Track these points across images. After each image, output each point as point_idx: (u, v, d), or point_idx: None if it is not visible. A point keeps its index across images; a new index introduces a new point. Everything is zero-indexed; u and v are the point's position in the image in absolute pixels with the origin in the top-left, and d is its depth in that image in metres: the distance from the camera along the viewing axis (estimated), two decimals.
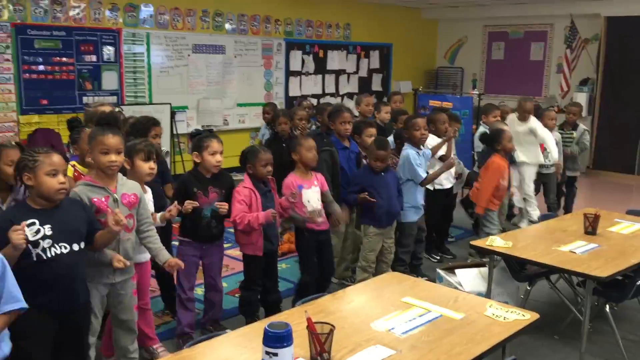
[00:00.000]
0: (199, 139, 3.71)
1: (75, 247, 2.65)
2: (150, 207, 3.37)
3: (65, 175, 2.62)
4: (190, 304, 3.79)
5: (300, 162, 4.01)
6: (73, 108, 7.41)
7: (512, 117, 6.24)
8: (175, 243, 3.94)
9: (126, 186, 3.03)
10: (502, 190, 5.10)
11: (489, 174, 5.08)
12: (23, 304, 2.32)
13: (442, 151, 5.17)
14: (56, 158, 2.61)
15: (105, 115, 3.66)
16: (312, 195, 4.01)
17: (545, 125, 6.12)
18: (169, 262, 3.11)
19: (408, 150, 4.72)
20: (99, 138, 2.91)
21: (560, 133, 6.44)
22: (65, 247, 2.60)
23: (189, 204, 3.48)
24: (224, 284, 4.68)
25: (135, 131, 3.93)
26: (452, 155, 5.21)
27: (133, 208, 3.03)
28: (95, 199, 2.88)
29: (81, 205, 2.80)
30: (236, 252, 5.52)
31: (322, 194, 4.10)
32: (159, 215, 3.44)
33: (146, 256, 3.42)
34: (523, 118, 6.06)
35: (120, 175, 3.02)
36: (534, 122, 6.02)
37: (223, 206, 3.62)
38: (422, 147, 4.84)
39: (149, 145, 3.37)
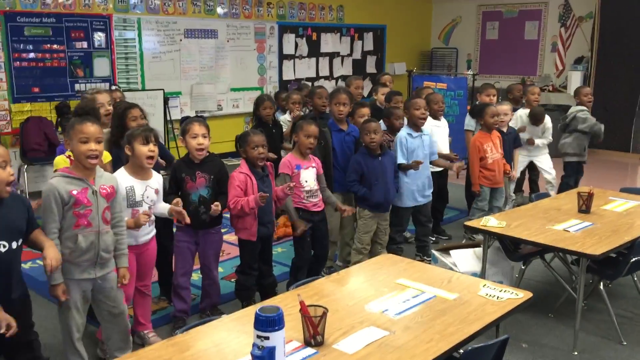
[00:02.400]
0: (184, 123, 3.72)
1: (14, 245, 2.59)
2: (155, 196, 3.39)
3: (10, 166, 2.57)
4: (182, 292, 3.78)
5: (298, 145, 4.06)
6: (65, 95, 7.37)
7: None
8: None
9: (103, 178, 2.97)
10: (491, 165, 5.17)
11: (469, 152, 5.26)
12: None
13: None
14: (1, 150, 2.56)
15: (83, 106, 3.62)
16: (309, 175, 4.06)
17: (529, 100, 6.30)
18: (120, 270, 3.06)
19: (403, 132, 4.74)
20: (78, 127, 2.84)
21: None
22: (4, 246, 2.55)
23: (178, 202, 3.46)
24: (220, 269, 4.70)
25: (113, 121, 3.93)
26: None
27: (110, 200, 2.97)
28: (73, 192, 2.81)
29: (22, 200, 2.73)
30: (232, 237, 5.54)
31: (318, 178, 4.12)
32: (161, 205, 3.43)
33: (151, 234, 3.42)
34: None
35: (97, 167, 2.96)
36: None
37: (216, 207, 3.60)
38: (422, 129, 4.84)
39: (146, 129, 3.35)
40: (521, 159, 6.24)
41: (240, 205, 3.65)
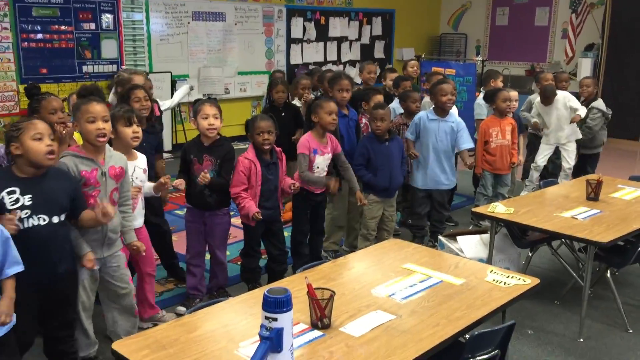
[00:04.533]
0: (196, 104, 3.74)
1: (55, 219, 2.63)
2: (143, 175, 3.40)
3: (52, 139, 2.61)
4: (194, 269, 3.83)
5: (318, 125, 4.02)
6: (73, 77, 7.37)
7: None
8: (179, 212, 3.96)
9: (113, 159, 2.99)
10: (493, 149, 5.17)
11: (478, 134, 5.31)
12: (22, 266, 2.41)
13: None
14: (40, 124, 2.61)
15: (86, 87, 3.65)
16: (322, 162, 4.05)
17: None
18: (132, 243, 3.13)
19: (423, 113, 4.74)
20: (84, 107, 2.87)
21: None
22: (44, 219, 2.59)
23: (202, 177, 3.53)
24: (227, 252, 4.72)
25: (120, 100, 4.00)
26: None
27: (119, 181, 3.01)
28: (83, 171, 2.85)
29: (67, 176, 2.76)
30: (237, 221, 5.55)
31: (337, 157, 4.14)
32: (147, 185, 3.43)
33: (140, 222, 3.42)
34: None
35: (107, 147, 2.99)
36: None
37: (205, 177, 3.56)
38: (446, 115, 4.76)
39: (128, 110, 3.34)
40: (546, 147, 6.13)
41: (239, 202, 3.68)
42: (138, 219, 3.38)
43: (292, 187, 3.81)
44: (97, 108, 2.87)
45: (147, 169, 3.47)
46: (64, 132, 3.42)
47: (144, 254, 3.20)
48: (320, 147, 4.03)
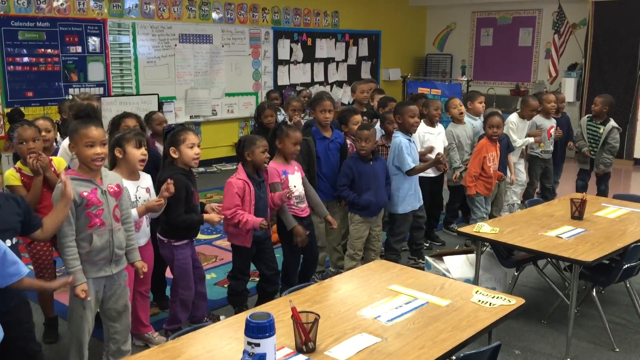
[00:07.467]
0: (174, 133, 3.59)
1: (8, 242, 2.56)
2: (147, 195, 3.40)
3: None
4: (190, 304, 3.73)
5: (281, 152, 4.01)
6: (59, 100, 7.35)
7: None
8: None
9: (109, 177, 3.01)
10: (489, 175, 5.16)
11: (472, 155, 5.28)
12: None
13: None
14: None
15: (83, 108, 3.62)
16: (296, 180, 4.03)
17: (545, 109, 6.14)
18: (135, 263, 3.12)
19: (400, 138, 4.61)
20: (82, 131, 2.85)
21: (589, 126, 6.29)
22: None
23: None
24: (213, 274, 4.70)
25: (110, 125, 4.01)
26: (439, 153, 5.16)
27: (118, 199, 3.01)
28: (84, 193, 2.84)
29: (15, 200, 2.71)
30: (225, 243, 5.54)
31: (303, 182, 4.12)
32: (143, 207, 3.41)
33: (144, 240, 3.42)
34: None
35: (102, 167, 2.99)
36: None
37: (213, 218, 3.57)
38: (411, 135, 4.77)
39: (138, 133, 3.38)
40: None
41: (239, 219, 3.61)
42: (142, 238, 3.40)
43: (287, 196, 3.79)
44: (96, 133, 2.86)
45: (151, 187, 3.46)
46: (35, 163, 3.31)
47: (144, 273, 3.18)
48: (288, 168, 4.01)
